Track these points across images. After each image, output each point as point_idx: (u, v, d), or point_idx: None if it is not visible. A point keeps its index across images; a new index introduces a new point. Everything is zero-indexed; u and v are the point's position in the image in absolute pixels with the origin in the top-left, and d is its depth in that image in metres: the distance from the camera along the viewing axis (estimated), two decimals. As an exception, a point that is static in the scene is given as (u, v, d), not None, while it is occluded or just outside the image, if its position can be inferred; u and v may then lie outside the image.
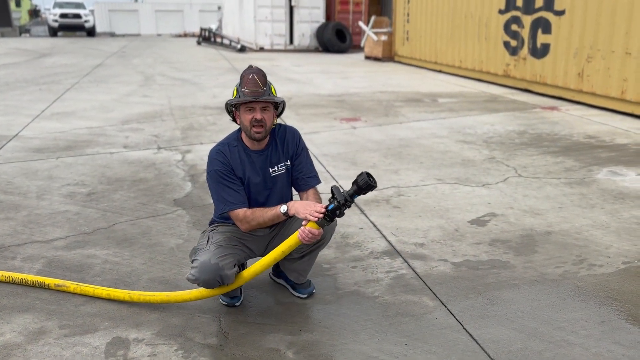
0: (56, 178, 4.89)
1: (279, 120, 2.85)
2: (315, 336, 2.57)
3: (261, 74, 2.60)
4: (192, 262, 2.61)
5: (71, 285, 2.88)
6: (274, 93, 2.67)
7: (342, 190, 2.44)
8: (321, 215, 2.42)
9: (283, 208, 2.54)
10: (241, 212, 2.63)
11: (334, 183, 4.78)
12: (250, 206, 2.69)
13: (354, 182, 2.40)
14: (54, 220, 3.92)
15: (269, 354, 2.43)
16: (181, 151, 5.83)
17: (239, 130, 2.76)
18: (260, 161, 2.73)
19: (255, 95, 2.55)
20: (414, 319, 2.72)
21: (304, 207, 2.47)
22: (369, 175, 2.37)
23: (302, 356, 2.42)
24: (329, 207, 2.43)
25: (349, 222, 3.90)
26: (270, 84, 2.66)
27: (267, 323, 2.68)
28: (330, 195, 2.46)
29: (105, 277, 3.11)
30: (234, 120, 2.73)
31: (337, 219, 2.51)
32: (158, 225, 3.85)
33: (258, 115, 2.59)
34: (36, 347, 2.46)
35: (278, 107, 2.72)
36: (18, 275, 2.98)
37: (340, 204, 2.40)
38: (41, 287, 2.93)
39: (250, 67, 2.64)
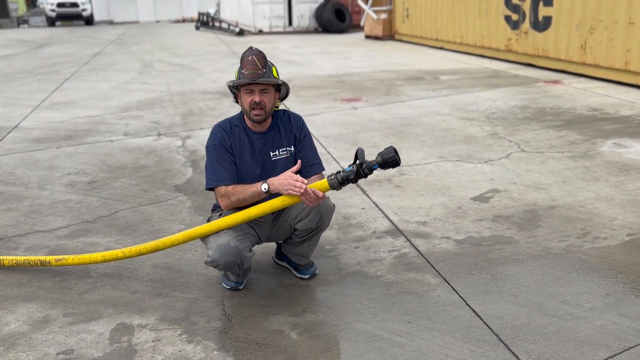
0: (57, 167, 4.88)
1: (282, 105, 2.81)
2: (318, 317, 2.57)
3: (260, 56, 2.55)
4: (207, 245, 2.62)
5: (69, 257, 2.94)
6: (275, 75, 2.62)
7: (365, 159, 2.42)
8: (302, 190, 2.40)
9: (264, 186, 2.49)
10: (223, 188, 2.59)
11: (335, 164, 4.75)
12: None
13: (379, 154, 2.40)
14: (55, 210, 3.93)
15: (273, 336, 2.43)
16: (181, 137, 5.81)
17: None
18: (260, 144, 2.70)
19: (253, 77, 2.52)
20: (417, 297, 2.71)
21: (282, 184, 2.44)
22: (396, 151, 2.38)
23: (306, 337, 2.42)
24: (346, 170, 2.44)
25: (351, 203, 3.88)
26: (272, 65, 2.62)
27: (270, 305, 2.68)
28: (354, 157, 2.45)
29: (108, 264, 3.11)
30: (237, 101, 2.71)
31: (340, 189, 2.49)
32: (160, 212, 3.84)
33: (257, 98, 2.56)
34: (41, 335, 2.47)
35: (279, 88, 2.69)
36: (21, 258, 3.03)
37: (357, 169, 2.40)
38: (43, 265, 2.96)
39: (250, 48, 2.60)
